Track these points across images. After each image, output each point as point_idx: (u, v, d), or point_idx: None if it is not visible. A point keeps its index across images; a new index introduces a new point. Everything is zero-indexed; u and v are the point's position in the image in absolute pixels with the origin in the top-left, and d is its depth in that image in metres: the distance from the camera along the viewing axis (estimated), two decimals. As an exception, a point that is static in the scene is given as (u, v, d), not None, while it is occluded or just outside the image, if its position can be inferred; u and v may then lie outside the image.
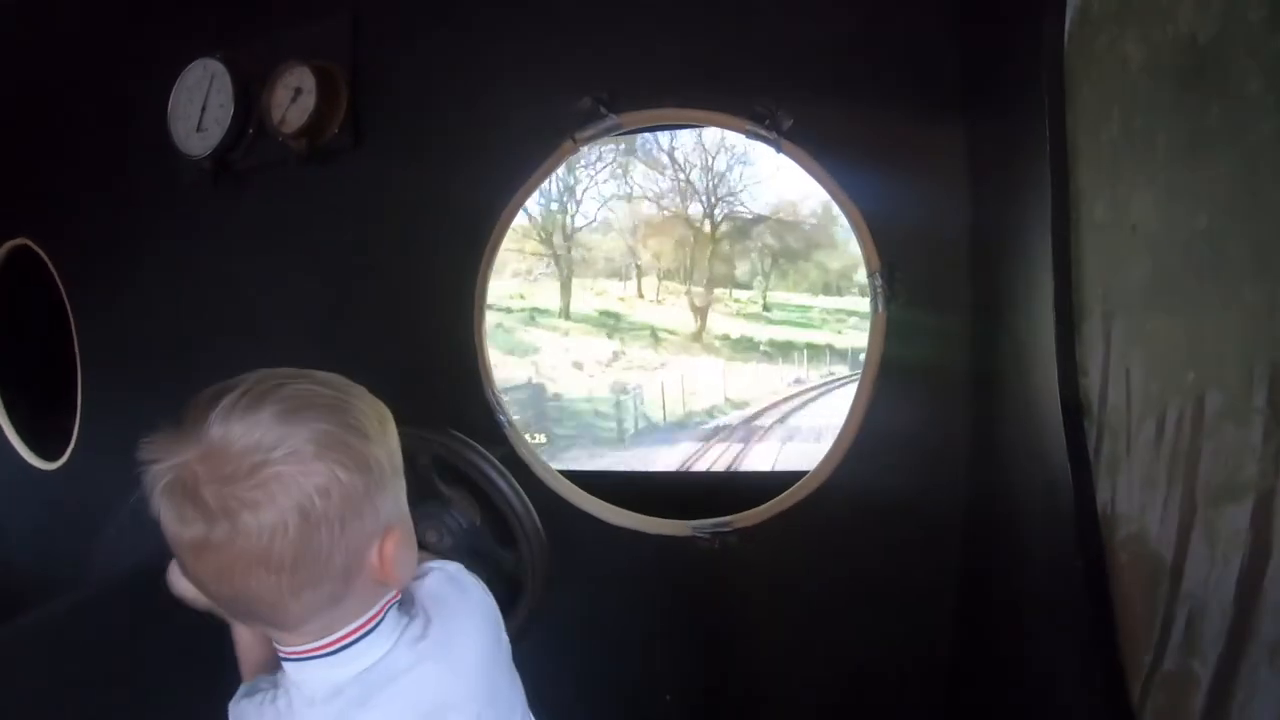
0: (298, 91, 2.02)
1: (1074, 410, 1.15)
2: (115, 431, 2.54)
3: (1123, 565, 1.04)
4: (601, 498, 1.96)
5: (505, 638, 1.01)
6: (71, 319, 2.65)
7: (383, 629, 0.88)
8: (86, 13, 2.37)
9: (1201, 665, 0.85)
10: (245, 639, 1.07)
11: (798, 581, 1.84)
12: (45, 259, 2.66)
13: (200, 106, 2.19)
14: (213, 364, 2.34)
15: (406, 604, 0.94)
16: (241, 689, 0.97)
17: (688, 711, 1.98)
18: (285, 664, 0.88)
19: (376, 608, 0.88)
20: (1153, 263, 0.97)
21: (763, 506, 1.82)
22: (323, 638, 0.86)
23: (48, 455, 2.82)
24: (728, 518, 1.84)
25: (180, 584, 1.06)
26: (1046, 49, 1.20)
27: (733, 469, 14.59)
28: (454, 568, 1.02)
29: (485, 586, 1.02)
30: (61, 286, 2.64)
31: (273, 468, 0.76)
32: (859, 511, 1.74)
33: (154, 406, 2.39)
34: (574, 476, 2.00)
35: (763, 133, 1.69)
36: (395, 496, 0.88)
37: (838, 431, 1.78)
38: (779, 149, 1.70)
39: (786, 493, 1.80)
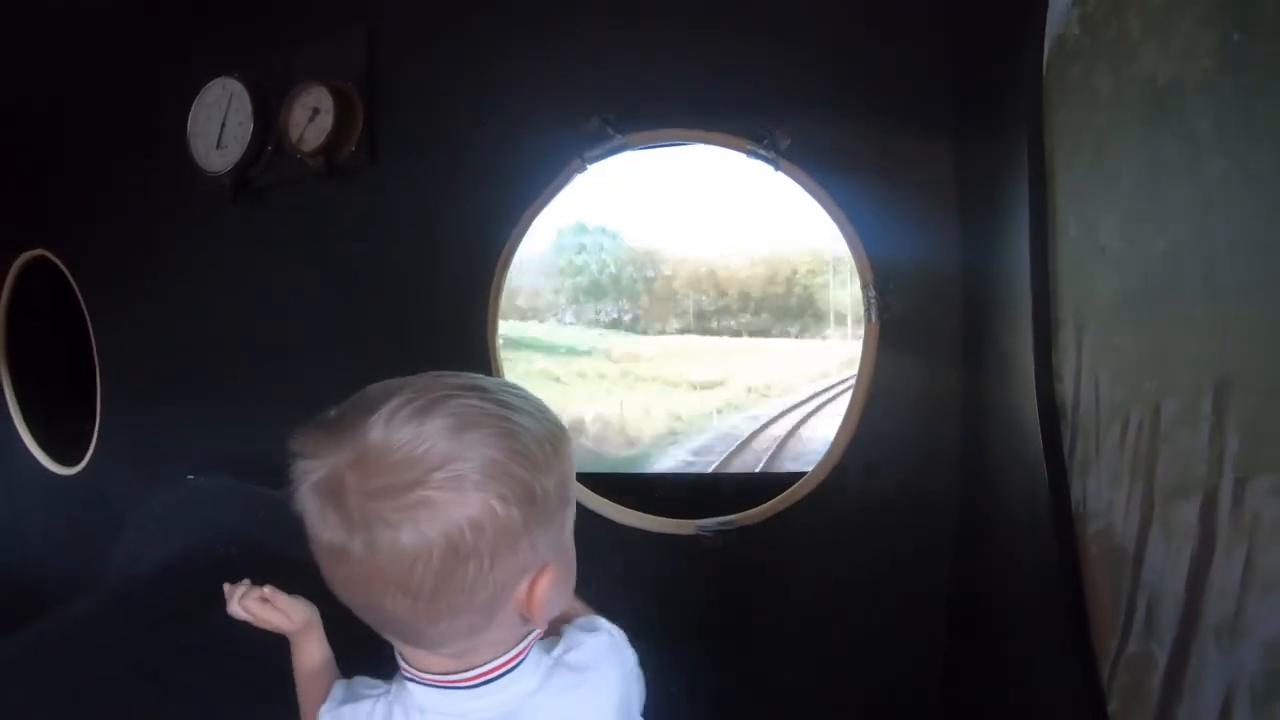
0: (315, 111, 2.09)
1: (1051, 415, 1.23)
2: (134, 438, 2.63)
3: (1093, 558, 1.12)
4: (609, 498, 2.02)
5: (637, 703, 0.96)
6: (90, 329, 2.71)
7: (525, 667, 0.83)
8: (108, 30, 2.42)
9: (1159, 647, 0.94)
10: (310, 664, 1.04)
11: (798, 577, 1.91)
12: (64, 270, 2.72)
13: (220, 124, 2.26)
14: (229, 375, 2.43)
15: (556, 646, 0.88)
16: (338, 693, 0.91)
17: (694, 704, 2.04)
18: (411, 684, 0.83)
19: (521, 645, 0.83)
20: (1119, 281, 1.06)
21: (764, 506, 1.89)
22: (460, 667, 0.81)
23: (66, 461, 2.88)
24: (730, 517, 1.90)
25: (238, 608, 1.05)
26: (1027, 77, 1.28)
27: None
28: (620, 635, 0.95)
29: (637, 661, 0.96)
30: (80, 297, 2.70)
31: (426, 490, 0.70)
32: (856, 510, 1.81)
33: (171, 415, 2.46)
34: (582, 478, 2.06)
35: (762, 152, 1.77)
36: (560, 528, 0.81)
37: (835, 435, 1.85)
38: (777, 167, 1.77)
39: (786, 492, 1.87)
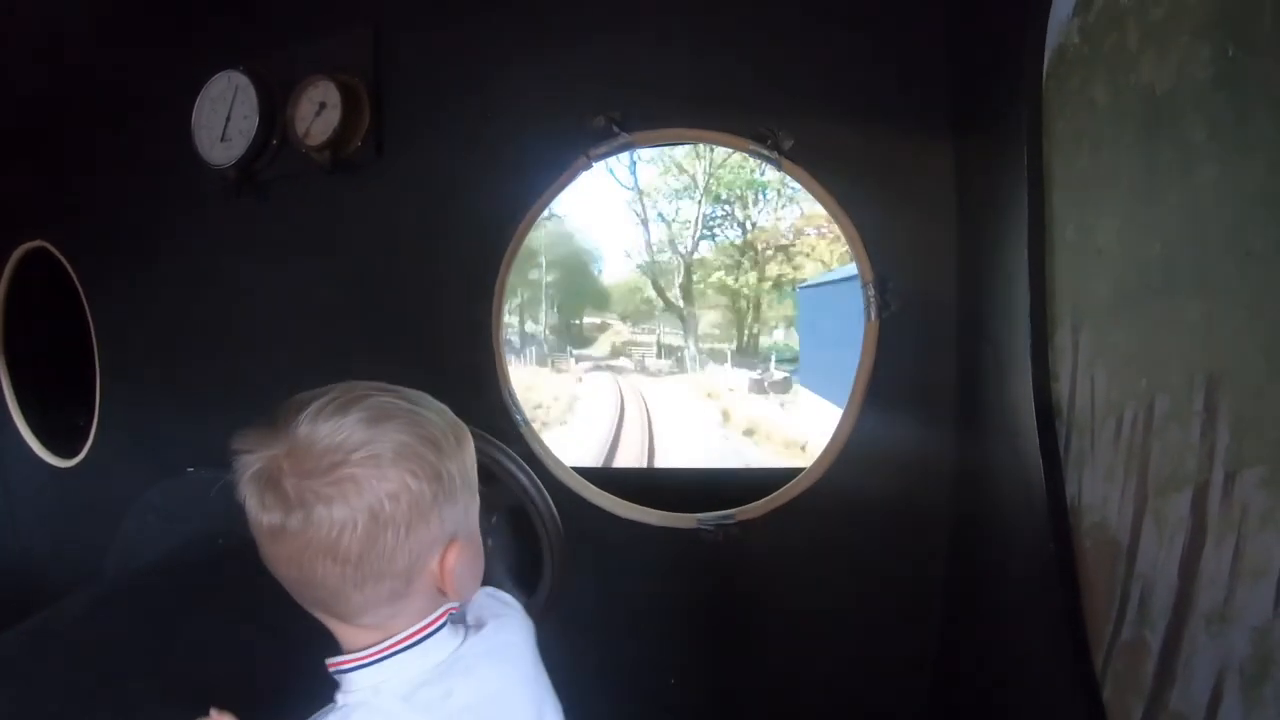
0: (322, 105, 2.10)
1: (1047, 411, 1.27)
2: (132, 431, 2.63)
3: (1087, 550, 1.16)
4: (611, 493, 2.05)
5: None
6: (90, 320, 2.71)
7: (443, 634, 0.92)
8: (113, 21, 2.42)
9: (1152, 634, 0.98)
10: None
11: (797, 570, 1.94)
12: (64, 262, 2.73)
13: (225, 117, 2.26)
14: (229, 368, 2.44)
15: (457, 619, 0.98)
16: None
17: (691, 694, 2.07)
18: (352, 675, 0.89)
19: (434, 615, 0.91)
20: (1114, 282, 1.10)
21: (763, 500, 1.92)
22: (382, 638, 0.89)
23: (63, 453, 2.88)
24: (730, 511, 1.93)
25: None
26: (1027, 84, 1.32)
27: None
28: (490, 588, 1.07)
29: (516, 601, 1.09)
30: (80, 289, 2.71)
31: (349, 469, 0.81)
32: (854, 503, 1.84)
33: (171, 407, 2.47)
34: (585, 473, 2.09)
35: (764, 152, 1.80)
36: (465, 510, 0.92)
37: (833, 430, 1.88)
38: (779, 167, 1.80)
39: (786, 487, 1.90)
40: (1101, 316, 1.14)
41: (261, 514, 0.83)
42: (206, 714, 1.05)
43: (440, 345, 2.13)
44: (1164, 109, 0.97)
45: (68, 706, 1.58)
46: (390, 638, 0.89)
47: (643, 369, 28.47)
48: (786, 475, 1.94)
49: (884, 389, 1.80)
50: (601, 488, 2.06)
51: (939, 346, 1.76)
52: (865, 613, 1.90)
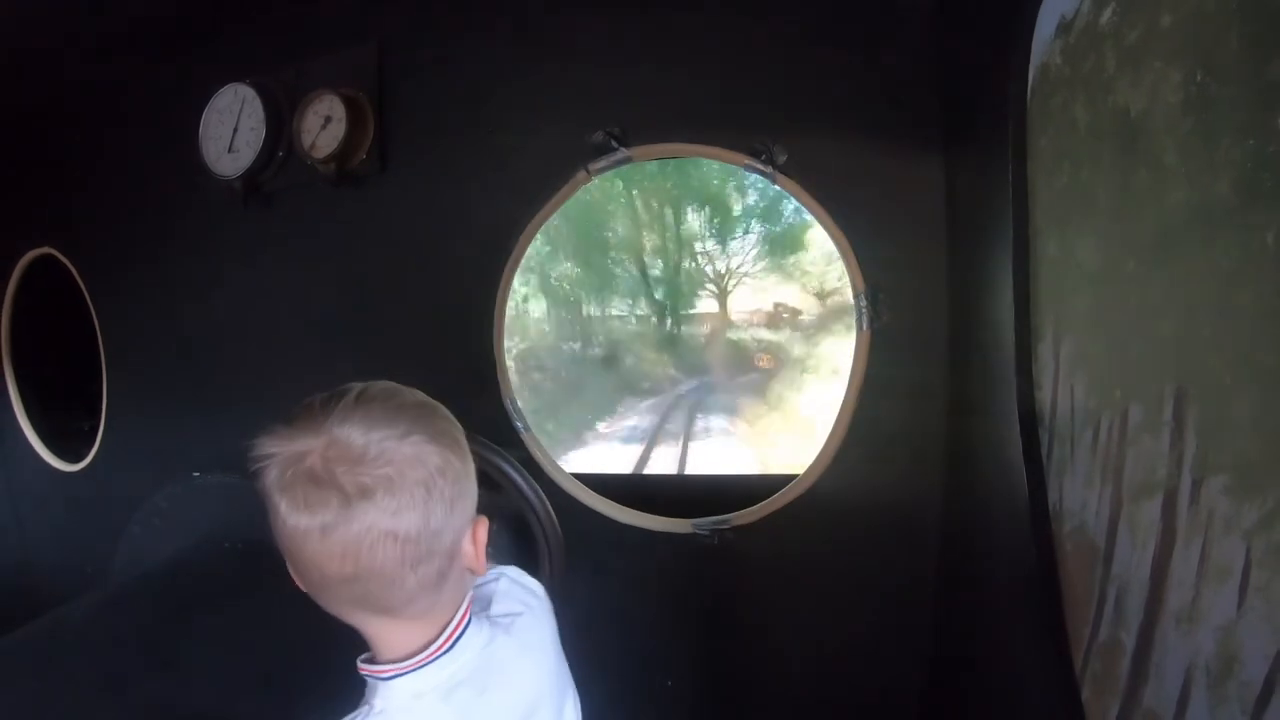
0: (328, 119, 2.14)
1: (1030, 420, 1.31)
2: (138, 436, 2.66)
3: (1068, 554, 1.20)
4: (609, 498, 2.09)
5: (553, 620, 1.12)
6: (97, 327, 2.74)
7: (473, 626, 0.95)
8: (121, 33, 2.43)
9: (1127, 634, 1.02)
10: None
11: (791, 573, 1.97)
12: (71, 269, 2.75)
13: (232, 129, 2.30)
14: (234, 375, 2.47)
15: (481, 604, 1.02)
16: None
17: (687, 695, 2.10)
18: (393, 682, 0.90)
19: (465, 602, 0.95)
20: (1093, 296, 1.14)
21: (758, 505, 1.95)
22: (426, 639, 0.91)
23: (69, 457, 2.91)
24: (726, 516, 1.97)
25: None
26: (1011, 103, 1.36)
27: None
28: (515, 571, 1.11)
29: (541, 586, 1.12)
30: (87, 296, 2.74)
31: (402, 450, 0.84)
32: (846, 509, 1.88)
33: (177, 413, 2.49)
34: (583, 478, 2.12)
35: (760, 166, 1.84)
36: (476, 490, 0.95)
37: (826, 437, 1.92)
38: (774, 181, 1.85)
39: (779, 493, 1.94)
40: (1080, 329, 1.18)
41: (310, 514, 0.83)
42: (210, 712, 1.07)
43: (443, 353, 2.16)
44: (1138, 130, 1.01)
45: (75, 708, 1.60)
46: (434, 642, 0.91)
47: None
48: (781, 481, 1.97)
49: (876, 397, 1.84)
50: (600, 493, 2.09)
51: (929, 356, 1.79)
52: (858, 616, 1.93)
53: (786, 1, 1.85)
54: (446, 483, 0.86)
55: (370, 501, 0.82)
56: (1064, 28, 1.22)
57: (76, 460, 2.88)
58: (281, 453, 0.84)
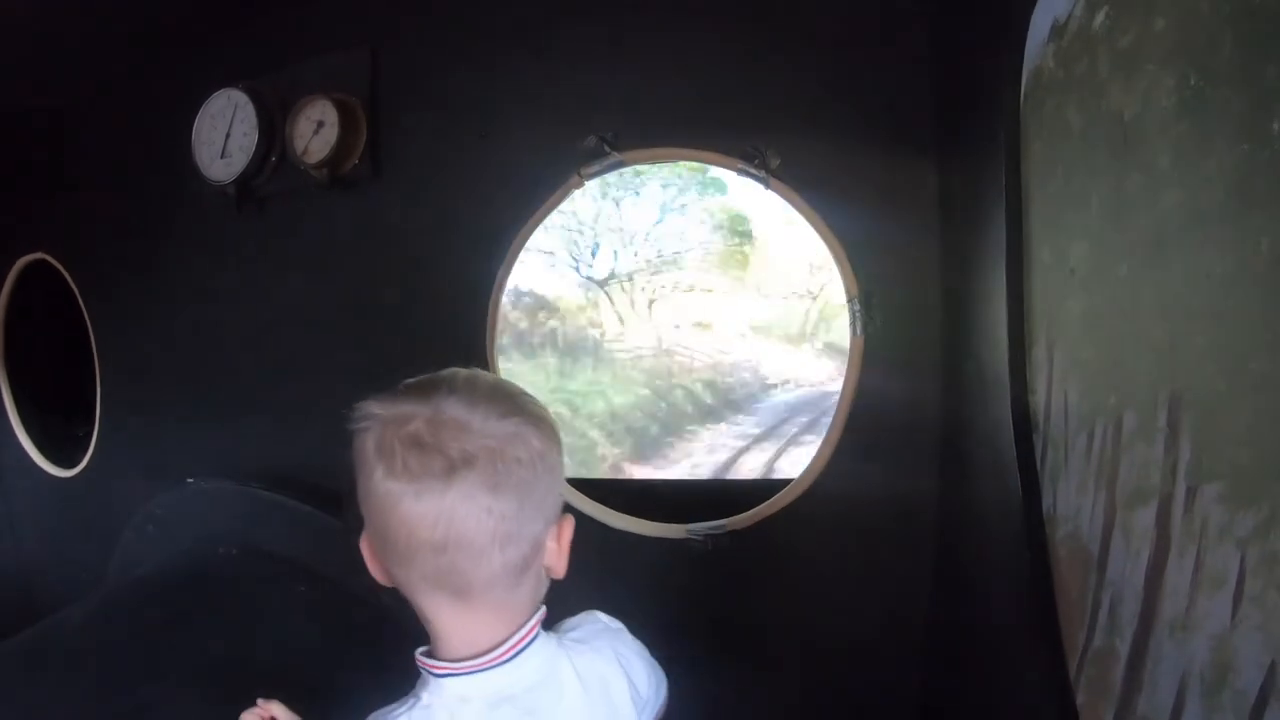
0: (320, 124, 2.14)
1: (1024, 425, 1.30)
2: (132, 442, 2.66)
3: (1062, 559, 1.20)
4: (602, 503, 2.08)
5: (661, 690, 1.14)
6: (91, 333, 2.74)
7: (540, 641, 0.93)
8: (115, 37, 2.43)
9: (1121, 642, 1.01)
10: None
11: (786, 578, 1.97)
12: (65, 274, 2.75)
13: (224, 134, 2.30)
14: (228, 380, 2.47)
15: (556, 631, 1.00)
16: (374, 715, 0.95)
17: (682, 704, 2.09)
18: (446, 680, 0.90)
19: (539, 613, 0.94)
20: (1086, 301, 1.13)
21: (752, 510, 1.95)
22: (492, 642, 0.89)
23: (64, 463, 2.90)
24: (720, 521, 1.96)
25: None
26: (1005, 107, 1.35)
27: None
28: (613, 621, 1.11)
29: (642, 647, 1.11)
30: (81, 301, 2.74)
31: (504, 427, 0.86)
32: (841, 515, 1.87)
33: (171, 419, 2.49)
34: (576, 483, 2.12)
35: (752, 170, 1.83)
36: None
37: (820, 443, 1.92)
38: (767, 185, 1.84)
39: (774, 498, 1.93)
40: (1074, 334, 1.18)
41: (403, 478, 0.83)
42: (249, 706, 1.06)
43: (435, 358, 2.12)
44: (1131, 135, 1.01)
45: (68, 715, 1.62)
46: (498, 648, 0.90)
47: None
48: (776, 486, 1.97)
49: (870, 402, 1.83)
50: (592, 498, 2.09)
51: (923, 361, 1.79)
52: (852, 622, 1.92)
53: (780, 6, 1.85)
54: (544, 469, 0.88)
55: (472, 469, 0.83)
56: (1057, 31, 1.22)
57: (71, 466, 2.88)
58: (386, 415, 0.86)
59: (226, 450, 2.41)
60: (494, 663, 0.90)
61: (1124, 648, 1.01)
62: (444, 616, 0.91)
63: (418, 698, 0.91)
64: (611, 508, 2.08)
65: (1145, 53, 0.98)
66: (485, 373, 0.94)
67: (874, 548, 1.89)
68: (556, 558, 0.94)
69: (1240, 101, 0.80)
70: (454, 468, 0.83)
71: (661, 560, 2.01)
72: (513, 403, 0.89)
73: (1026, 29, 1.29)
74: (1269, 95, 0.75)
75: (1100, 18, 1.08)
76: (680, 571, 2.00)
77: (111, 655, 1.77)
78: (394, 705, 0.92)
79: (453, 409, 0.85)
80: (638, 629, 2.06)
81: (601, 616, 1.10)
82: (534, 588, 0.94)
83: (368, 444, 0.86)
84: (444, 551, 0.85)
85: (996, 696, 1.47)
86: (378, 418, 0.86)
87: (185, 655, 1.75)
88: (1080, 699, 1.14)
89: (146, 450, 2.65)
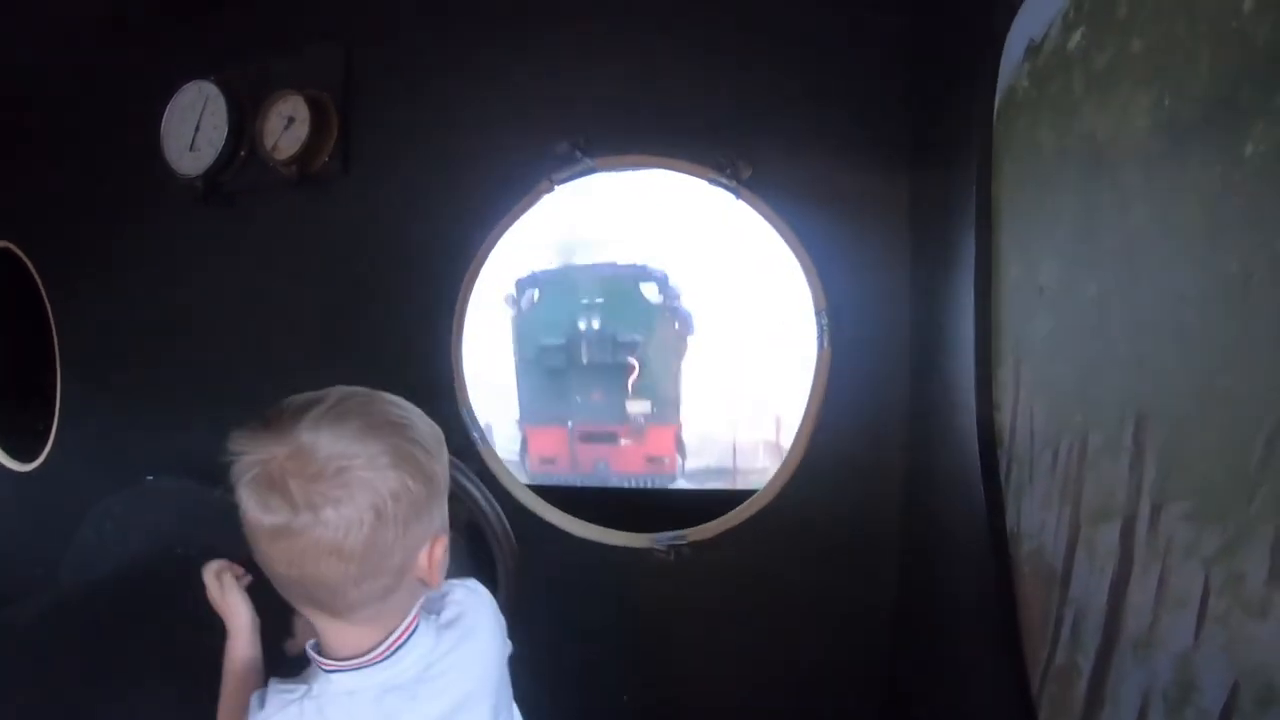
0: (290, 120, 2.11)
1: (989, 441, 1.31)
2: (92, 436, 2.60)
3: (1025, 575, 1.20)
4: (566, 510, 2.06)
5: (507, 641, 1.14)
6: (53, 324, 2.67)
7: (420, 632, 0.99)
8: (84, 27, 2.40)
9: (1084, 658, 1.02)
10: (244, 660, 1.14)
11: (748, 590, 1.95)
12: (28, 264, 2.69)
13: (194, 127, 2.25)
14: (191, 375, 2.42)
15: (432, 607, 1.05)
16: (260, 704, 1.00)
17: (643, 711, 2.08)
18: (334, 675, 0.96)
19: (414, 611, 0.99)
20: (1055, 320, 1.14)
21: (716, 521, 1.94)
22: (372, 641, 0.96)
23: (22, 457, 2.83)
24: (683, 531, 1.95)
25: (212, 578, 1.18)
26: (977, 125, 1.36)
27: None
28: (471, 581, 1.13)
29: (492, 597, 1.14)
30: (44, 292, 2.67)
31: (356, 472, 0.87)
32: (804, 527, 1.87)
33: (132, 414, 2.44)
34: (540, 490, 2.10)
35: (723, 181, 1.83)
36: (444, 508, 0.99)
37: (785, 455, 1.91)
38: (738, 195, 1.84)
39: (738, 509, 1.93)
40: (1042, 352, 1.18)
41: (264, 515, 0.88)
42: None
43: (401, 359, 2.13)
44: (1104, 154, 1.02)
45: (20, 710, 1.57)
46: (379, 645, 0.96)
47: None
48: (739, 497, 1.96)
49: (835, 416, 1.84)
50: (556, 505, 2.07)
51: (890, 375, 1.79)
52: (815, 634, 1.92)
53: (755, 17, 1.85)
54: (401, 506, 0.90)
55: (316, 517, 0.86)
56: (1032, 51, 1.23)
57: (29, 460, 2.81)
58: (248, 453, 0.88)
59: (187, 447, 2.36)
60: (374, 661, 0.96)
61: (1087, 665, 1.01)
62: (322, 625, 0.97)
63: (308, 687, 0.97)
64: (574, 514, 2.07)
65: (1121, 73, 0.99)
66: (361, 398, 0.95)
67: (838, 562, 1.88)
68: (429, 574, 0.97)
69: (1214, 123, 0.81)
70: (299, 513, 0.86)
71: (624, 569, 1.99)
72: (377, 442, 0.90)
73: (1001, 48, 1.30)
74: (1243, 118, 0.76)
75: (1076, 38, 1.09)
76: (643, 581, 1.99)
77: (59, 658, 1.72)
78: (289, 684, 0.99)
79: (311, 447, 0.87)
80: (598, 638, 2.07)
81: (459, 589, 1.11)
82: (406, 598, 0.98)
83: (235, 476, 0.89)
84: (303, 585, 0.91)
85: (958, 712, 1.47)
86: (241, 453, 0.89)
87: (141, 653, 1.71)
88: (1042, 716, 1.14)
89: (106, 446, 2.59)
